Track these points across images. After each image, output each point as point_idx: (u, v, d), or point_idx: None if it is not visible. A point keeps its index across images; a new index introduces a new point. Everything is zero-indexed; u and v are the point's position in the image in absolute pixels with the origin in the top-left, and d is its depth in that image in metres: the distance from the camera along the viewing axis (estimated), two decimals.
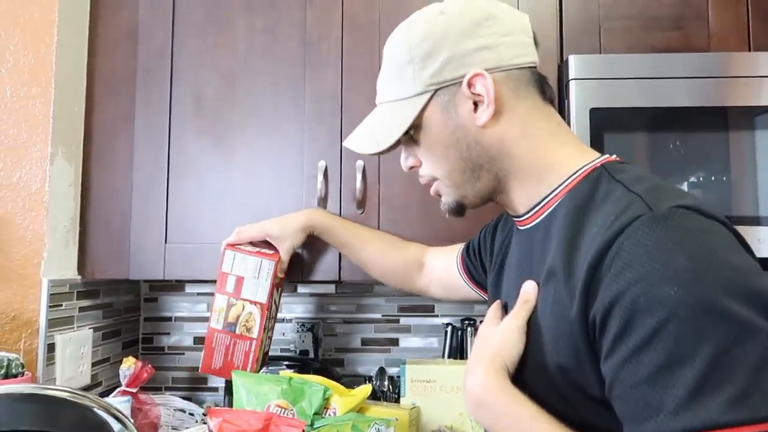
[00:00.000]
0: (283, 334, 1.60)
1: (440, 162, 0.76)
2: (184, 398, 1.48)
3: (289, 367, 1.43)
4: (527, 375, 0.69)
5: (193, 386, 1.60)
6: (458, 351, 1.45)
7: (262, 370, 1.41)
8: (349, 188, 1.28)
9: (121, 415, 0.83)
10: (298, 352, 1.56)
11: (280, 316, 1.61)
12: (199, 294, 1.63)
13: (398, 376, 1.36)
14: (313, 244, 1.27)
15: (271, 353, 1.55)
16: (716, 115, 1.20)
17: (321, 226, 1.19)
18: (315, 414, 1.09)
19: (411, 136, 0.77)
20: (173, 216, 1.31)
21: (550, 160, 0.72)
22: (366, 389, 1.16)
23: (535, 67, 0.75)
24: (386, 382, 1.46)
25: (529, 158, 0.73)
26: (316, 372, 1.34)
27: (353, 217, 1.27)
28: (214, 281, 1.59)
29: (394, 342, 1.59)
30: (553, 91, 0.77)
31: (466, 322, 1.45)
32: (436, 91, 0.73)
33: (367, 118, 0.82)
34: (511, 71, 0.72)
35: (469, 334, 1.44)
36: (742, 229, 1.12)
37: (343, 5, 1.32)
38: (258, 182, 1.31)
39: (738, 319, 0.53)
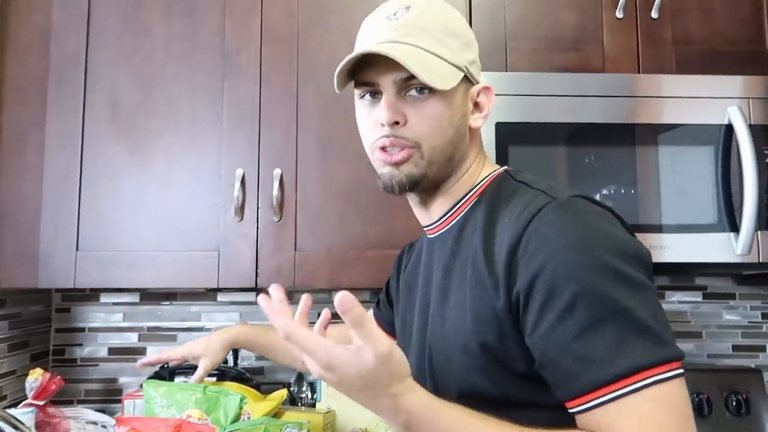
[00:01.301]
0: None
1: (435, 134, 0.74)
2: (97, 411, 1.44)
3: (207, 376, 1.42)
4: (451, 357, 0.74)
5: (107, 398, 1.56)
6: None
7: (178, 380, 1.40)
8: (267, 196, 1.30)
9: (21, 425, 0.82)
10: None
11: (198, 325, 1.60)
12: (114, 304, 1.60)
13: (317, 382, 1.38)
14: (228, 252, 1.28)
15: (186, 363, 1.54)
16: (623, 132, 1.30)
17: (244, 340, 1.20)
18: (231, 423, 1.09)
19: (424, 92, 0.73)
20: (86, 223, 1.28)
21: (473, 177, 0.82)
22: (281, 394, 1.18)
23: None
24: (305, 388, 1.48)
25: (466, 174, 0.81)
26: (234, 380, 1.35)
27: (270, 225, 1.29)
28: (130, 289, 1.57)
29: None
30: None
31: None
32: (465, 76, 0.77)
33: (408, 51, 0.72)
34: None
35: None
36: (647, 236, 1.24)
37: (262, 16, 1.35)
38: (175, 189, 1.31)
39: (633, 279, 0.63)
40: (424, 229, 0.87)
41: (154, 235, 1.29)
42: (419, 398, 0.61)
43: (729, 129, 1.29)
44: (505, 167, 0.83)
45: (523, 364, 0.68)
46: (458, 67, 0.76)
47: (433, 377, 0.79)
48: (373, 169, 1.32)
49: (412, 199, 0.85)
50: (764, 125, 1.31)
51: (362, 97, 0.80)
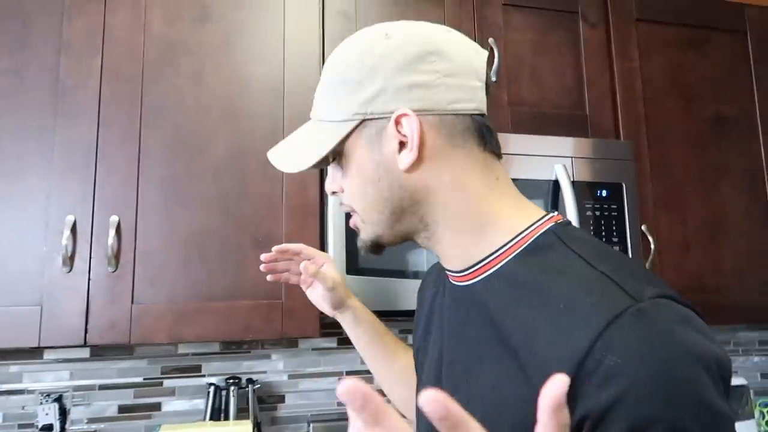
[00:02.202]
0: (23, 408, 1.42)
1: (359, 196, 0.68)
2: None
3: None
4: None
5: None
6: (221, 411, 1.41)
7: None
8: (101, 245, 1.20)
9: None
10: (39, 427, 1.38)
11: (19, 387, 1.43)
12: None
13: None
14: (53, 306, 1.16)
15: (3, 431, 1.36)
16: None
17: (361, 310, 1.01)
18: None
19: (337, 161, 0.70)
20: None
21: (488, 218, 0.66)
22: None
23: (480, 115, 0.67)
24: None
25: (463, 211, 0.66)
26: None
27: (104, 276, 1.20)
28: None
29: (156, 407, 1.50)
30: (496, 141, 0.69)
31: (230, 380, 1.43)
32: (362, 121, 0.65)
33: (296, 132, 0.73)
34: (446, 116, 0.65)
35: (232, 393, 1.42)
36: None
37: (103, 54, 1.28)
38: None
39: (721, 415, 0.51)
40: (447, 271, 0.72)
41: None
42: None
43: (556, 184, 1.42)
44: (550, 217, 0.66)
45: None
46: (345, 120, 0.66)
47: None
48: (221, 215, 1.29)
49: None
50: (586, 181, 1.46)
51: None
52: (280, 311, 1.27)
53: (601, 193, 1.47)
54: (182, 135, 1.30)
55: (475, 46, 0.68)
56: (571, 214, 1.37)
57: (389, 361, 1.00)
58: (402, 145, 0.64)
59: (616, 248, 1.45)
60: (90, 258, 1.19)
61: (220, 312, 1.24)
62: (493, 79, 1.52)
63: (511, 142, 1.44)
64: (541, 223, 0.65)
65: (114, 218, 1.21)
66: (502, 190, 0.67)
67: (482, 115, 0.67)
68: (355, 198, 0.69)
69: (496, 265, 0.65)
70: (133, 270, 1.21)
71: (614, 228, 1.45)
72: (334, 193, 0.72)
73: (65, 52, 1.26)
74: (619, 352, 0.50)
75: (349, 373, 1.62)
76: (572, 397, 0.50)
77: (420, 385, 0.79)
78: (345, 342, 1.65)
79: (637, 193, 1.53)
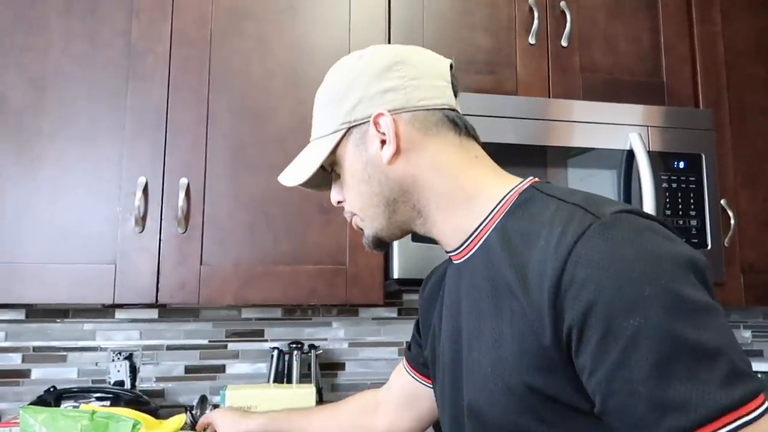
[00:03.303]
0: (96, 365, 1.47)
1: (356, 197, 0.77)
2: None
3: (99, 399, 1.32)
4: (493, 398, 0.66)
5: None
6: (284, 375, 1.43)
7: (65, 405, 1.29)
8: (171, 206, 1.22)
9: None
10: (112, 383, 1.44)
11: (92, 344, 1.49)
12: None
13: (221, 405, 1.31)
14: (126, 265, 1.19)
15: (78, 385, 1.42)
16: (535, 153, 1.33)
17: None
18: None
19: (337, 173, 0.79)
20: None
21: (472, 190, 0.74)
22: (179, 419, 1.10)
23: (450, 109, 0.76)
24: (208, 410, 1.39)
25: (448, 190, 0.74)
26: (128, 404, 1.25)
27: (174, 237, 1.22)
28: (13, 305, 1.43)
29: (221, 369, 1.53)
30: (471, 126, 0.78)
31: (293, 345, 1.45)
32: (349, 129, 0.75)
33: (300, 154, 0.84)
34: (418, 112, 0.74)
35: (295, 358, 1.43)
36: None
37: (172, 19, 1.29)
38: (67, 198, 1.20)
39: (698, 303, 0.55)
40: (448, 254, 0.79)
41: (41, 246, 1.18)
42: None
43: (630, 154, 1.36)
44: (530, 180, 0.74)
45: (578, 401, 0.60)
46: (335, 132, 0.76)
47: (472, 418, 0.71)
48: None
49: None
50: (661, 152, 1.38)
51: None
52: (344, 277, 1.27)
53: (678, 164, 1.39)
54: (248, 100, 1.30)
55: (438, 56, 0.79)
56: (647, 186, 1.30)
57: (315, 422, 1.06)
58: (383, 142, 0.73)
59: (693, 223, 1.37)
60: (161, 219, 1.22)
61: (284, 276, 1.25)
62: (564, 44, 1.46)
63: (581, 109, 1.38)
64: (522, 185, 0.73)
65: (183, 181, 1.23)
66: (482, 165, 0.76)
67: (452, 109, 0.77)
68: (353, 200, 0.78)
69: (488, 230, 0.71)
70: (201, 232, 1.23)
71: (692, 202, 1.38)
72: (339, 202, 0.82)
73: (136, 17, 1.27)
74: (587, 263, 0.57)
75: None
76: (559, 314, 0.58)
77: (437, 380, 0.84)
78: (405, 312, 1.65)
79: (717, 165, 1.45)
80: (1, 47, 1.22)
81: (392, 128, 0.72)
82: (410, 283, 1.32)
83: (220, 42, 1.30)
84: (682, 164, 1.39)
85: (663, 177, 1.37)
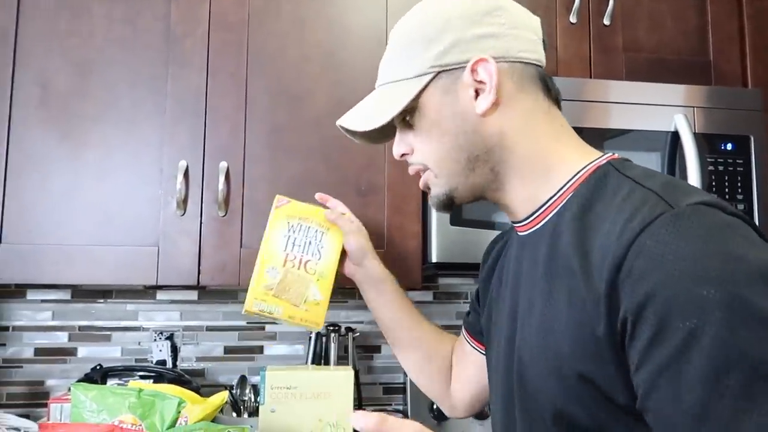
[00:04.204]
0: (139, 344, 1.51)
1: (434, 149, 0.71)
2: (21, 416, 1.34)
3: (143, 378, 1.35)
4: (544, 380, 0.64)
5: (33, 402, 1.46)
6: (321, 357, 1.45)
7: (111, 382, 1.33)
8: (211, 190, 1.24)
9: None
10: (154, 362, 1.47)
11: (135, 324, 1.52)
12: (43, 301, 1.49)
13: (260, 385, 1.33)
14: (168, 247, 1.21)
15: (122, 363, 1.46)
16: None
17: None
18: (167, 429, 1.03)
19: (407, 121, 0.73)
20: (10, 214, 1.19)
21: (553, 160, 0.69)
22: (221, 396, 1.12)
23: (541, 66, 0.72)
24: (248, 390, 1.42)
25: (530, 155, 0.69)
26: (171, 383, 1.28)
27: (214, 220, 1.23)
28: (60, 286, 1.48)
29: (259, 350, 1.56)
30: (558, 91, 0.73)
31: (330, 328, 1.46)
32: (438, 73, 0.69)
33: (364, 99, 0.78)
34: (516, 64, 0.69)
35: (332, 340, 1.45)
36: None
37: (210, 2, 1.29)
38: (111, 180, 1.23)
39: (765, 315, 0.49)
40: (513, 224, 0.75)
41: (87, 229, 1.21)
42: None
43: (675, 136, 1.32)
44: (610, 155, 0.68)
45: (625, 396, 0.57)
46: (420, 75, 0.69)
47: (522, 397, 0.69)
48: (323, 164, 1.30)
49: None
50: (707, 134, 1.34)
51: None
52: (382, 260, 1.27)
53: (725, 146, 1.35)
54: (285, 83, 1.30)
55: (527, 10, 0.73)
56: (693, 168, 1.27)
57: (414, 324, 1.00)
58: (477, 92, 0.68)
59: (740, 207, 1.33)
60: (201, 202, 1.23)
61: None
62: (607, 22, 1.42)
63: (624, 90, 1.34)
64: (599, 160, 0.68)
65: (223, 164, 1.24)
66: (566, 135, 0.71)
67: (542, 67, 0.72)
68: (430, 153, 0.72)
69: (558, 205, 0.67)
70: (241, 215, 1.24)
71: (739, 185, 1.34)
72: (403, 155, 0.75)
73: (175, 1, 1.28)
74: (649, 254, 0.53)
75: (444, 327, 1.61)
76: (614, 304, 0.55)
77: (492, 349, 0.80)
78: (440, 297, 1.64)
79: (766, 147, 1.40)
80: (47, 33, 1.24)
81: (495, 76, 0.66)
82: (448, 267, 1.32)
83: (257, 24, 1.30)
84: (729, 146, 1.35)
85: (709, 159, 1.33)
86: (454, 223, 1.24)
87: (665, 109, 1.33)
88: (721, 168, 1.33)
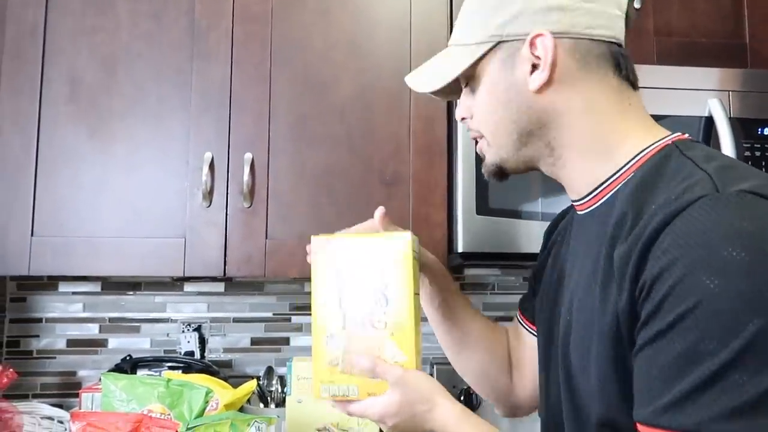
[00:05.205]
0: (167, 335, 1.53)
1: (489, 119, 0.70)
2: (54, 405, 1.37)
3: (172, 368, 1.37)
4: (591, 378, 0.62)
5: (65, 392, 1.48)
6: None
7: (141, 373, 1.35)
8: (237, 181, 1.24)
9: None
10: (182, 353, 1.49)
11: (163, 315, 1.54)
12: (74, 293, 1.52)
13: (287, 375, 1.33)
14: (195, 239, 1.22)
15: (151, 354, 1.48)
16: None
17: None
18: (196, 418, 1.04)
19: (471, 87, 0.72)
20: (42, 208, 1.21)
21: (615, 139, 0.66)
22: (250, 386, 1.13)
23: (617, 44, 0.67)
24: (275, 381, 1.43)
25: (591, 134, 0.66)
26: (199, 373, 1.29)
27: (240, 212, 1.24)
28: (90, 278, 1.50)
29: (285, 341, 1.56)
30: (633, 71, 0.69)
31: None
32: (498, 43, 0.67)
33: (434, 57, 0.76)
34: (581, 40, 0.65)
35: None
36: None
37: None
38: (138, 174, 1.24)
39: None
40: (573, 203, 0.73)
41: (116, 221, 1.23)
42: (444, 413, 0.69)
43: (709, 121, 1.28)
44: (677, 135, 0.66)
45: None
46: (481, 42, 0.68)
47: (572, 397, 0.67)
48: (348, 154, 1.29)
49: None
50: (743, 118, 1.30)
51: None
52: None
53: (762, 131, 1.30)
54: (310, 73, 1.30)
55: None
56: (728, 154, 1.22)
57: (465, 323, 0.92)
58: (534, 66, 0.65)
59: None
60: (227, 194, 1.24)
61: None
62: (637, 6, 1.37)
63: (656, 74, 1.30)
64: (664, 141, 0.65)
65: (248, 156, 1.24)
66: (634, 115, 0.67)
67: (619, 45, 0.67)
68: (484, 121, 0.71)
69: (617, 186, 0.65)
70: (266, 206, 1.25)
71: None
72: (463, 119, 0.74)
73: None
74: (676, 235, 0.52)
75: None
76: (641, 268, 0.54)
77: (541, 333, 0.79)
78: (467, 288, 1.63)
79: None
80: (74, 30, 1.26)
81: (551, 53, 0.64)
82: (474, 257, 1.30)
83: (281, 15, 1.30)
84: (767, 131, 1.30)
85: (745, 145, 1.29)
86: (481, 212, 1.22)
87: (699, 93, 1.29)
88: (758, 153, 1.29)
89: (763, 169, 1.29)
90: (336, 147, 1.28)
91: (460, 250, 1.22)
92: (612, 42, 0.67)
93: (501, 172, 0.73)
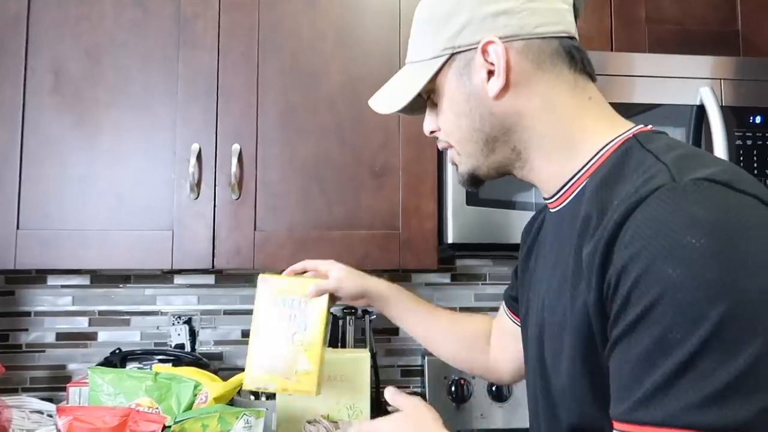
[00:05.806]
0: (158, 328, 1.52)
1: (454, 129, 0.71)
2: (43, 399, 1.36)
3: (162, 362, 1.36)
4: (563, 377, 0.63)
5: (55, 386, 1.47)
6: (338, 340, 1.44)
7: (130, 366, 1.34)
8: (225, 172, 1.23)
9: None
10: (173, 346, 1.48)
11: (153, 308, 1.53)
12: (63, 286, 1.51)
13: None
14: (183, 232, 1.21)
15: (141, 348, 1.47)
16: None
17: (384, 296, 1.02)
18: (184, 411, 1.03)
19: (432, 99, 0.73)
20: (27, 200, 1.20)
21: (577, 136, 0.66)
22: (239, 379, 1.12)
23: (569, 37, 0.67)
24: None
25: (553, 133, 0.67)
26: (190, 365, 1.28)
27: (228, 203, 1.23)
28: (80, 272, 1.49)
29: None
30: (588, 62, 0.68)
31: (347, 310, 1.45)
32: (452, 55, 0.68)
33: (394, 76, 0.77)
34: (533, 41, 0.65)
35: (349, 323, 1.44)
36: None
37: None
38: (125, 165, 1.22)
39: (744, 313, 0.47)
40: (545, 201, 0.74)
41: (102, 213, 1.21)
42: None
43: (701, 110, 1.27)
44: (638, 128, 0.65)
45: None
46: (435, 57, 0.68)
47: (547, 394, 0.68)
48: (337, 144, 1.28)
49: None
50: (735, 107, 1.29)
51: None
52: (398, 242, 1.25)
53: (754, 119, 1.29)
54: (298, 63, 1.28)
55: None
56: (719, 143, 1.22)
57: (435, 322, 1.03)
58: (490, 73, 0.66)
59: None
60: (215, 185, 1.23)
61: (338, 241, 1.24)
62: None
63: (648, 63, 1.29)
64: (626, 134, 0.64)
65: (236, 146, 1.23)
66: (595, 110, 0.68)
67: (571, 37, 0.67)
68: (450, 132, 0.71)
69: (583, 181, 0.65)
70: (255, 198, 1.23)
71: None
72: (432, 132, 0.75)
73: None
74: (636, 228, 0.52)
75: (462, 309, 1.59)
76: (607, 265, 0.55)
77: (526, 327, 0.80)
78: (458, 278, 1.62)
79: None
80: (58, 19, 1.23)
81: (503, 59, 0.64)
82: (465, 248, 1.29)
83: (268, 3, 1.28)
84: (758, 119, 1.29)
85: (737, 133, 1.28)
86: (471, 203, 1.21)
87: (690, 81, 1.28)
88: (749, 142, 1.28)
89: (755, 158, 1.28)
90: (325, 137, 1.27)
91: (450, 241, 1.22)
92: (563, 36, 0.67)
93: (475, 180, 0.74)
